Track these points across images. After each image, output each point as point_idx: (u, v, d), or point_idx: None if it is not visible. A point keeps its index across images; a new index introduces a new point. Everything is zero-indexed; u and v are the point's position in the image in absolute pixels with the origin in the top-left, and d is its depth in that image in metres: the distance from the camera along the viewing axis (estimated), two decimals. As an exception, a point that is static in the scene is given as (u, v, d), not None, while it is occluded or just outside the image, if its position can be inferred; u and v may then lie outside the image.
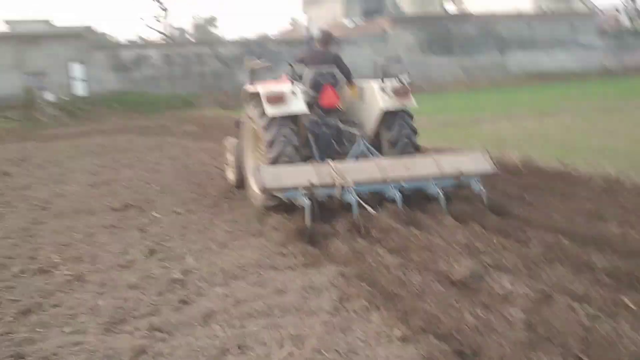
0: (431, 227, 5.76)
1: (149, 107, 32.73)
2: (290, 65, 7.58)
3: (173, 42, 40.90)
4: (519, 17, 47.62)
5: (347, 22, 50.88)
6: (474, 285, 4.28)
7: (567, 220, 5.95)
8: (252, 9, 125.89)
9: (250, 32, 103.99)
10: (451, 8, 57.41)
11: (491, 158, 6.88)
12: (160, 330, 3.93)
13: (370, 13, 51.51)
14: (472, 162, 6.73)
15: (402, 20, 45.50)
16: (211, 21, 49.48)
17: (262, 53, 37.90)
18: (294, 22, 60.89)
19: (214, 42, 44.38)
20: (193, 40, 43.81)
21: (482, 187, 6.42)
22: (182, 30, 45.03)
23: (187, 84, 37.63)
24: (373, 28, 45.24)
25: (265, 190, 6.23)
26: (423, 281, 4.38)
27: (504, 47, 46.08)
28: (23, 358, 3.59)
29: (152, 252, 5.74)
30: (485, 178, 8.45)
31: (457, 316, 3.81)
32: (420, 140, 7.72)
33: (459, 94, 35.27)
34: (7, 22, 38.28)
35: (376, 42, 43.48)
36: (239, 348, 3.61)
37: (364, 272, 4.73)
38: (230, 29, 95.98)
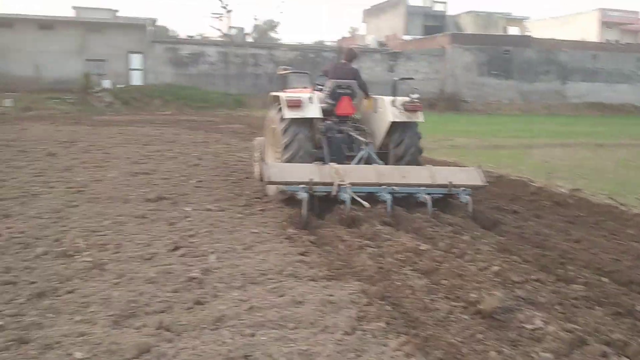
0: (465, 252, 5.48)
1: (201, 103, 33.22)
2: (308, 74, 8.83)
3: (231, 41, 41.37)
4: (583, 47, 46.31)
5: (406, 36, 50.61)
6: (503, 319, 4.00)
7: (612, 260, 5.58)
8: (313, 16, 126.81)
9: (309, 38, 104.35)
10: (514, 32, 56.36)
11: (484, 174, 7.45)
12: (168, 330, 3.79)
13: (430, 29, 51.08)
14: (464, 176, 7.37)
15: (462, 39, 44.87)
16: (271, 24, 49.89)
17: (316, 59, 38.06)
18: (353, 31, 60.87)
19: (271, 45, 44.75)
20: (251, 41, 44.21)
21: (469, 199, 6.94)
22: (241, 31, 45.49)
23: (240, 84, 38.04)
24: (432, 44, 44.81)
25: (267, 182, 7.05)
26: (449, 309, 4.12)
27: (565, 75, 44.95)
28: (26, 343, 3.50)
29: (176, 247, 5.63)
30: (530, 209, 8.16)
31: (481, 351, 3.56)
32: (467, 160, 7.56)
33: (514, 117, 34.52)
34: (75, 8, 39.50)
35: (433, 59, 43.05)
36: (245, 358, 3.44)
37: (387, 292, 4.50)
38: (289, 34, 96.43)
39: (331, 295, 4.38)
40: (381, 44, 47.87)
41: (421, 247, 5.41)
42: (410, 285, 4.53)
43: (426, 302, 4.24)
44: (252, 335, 3.73)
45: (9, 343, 3.48)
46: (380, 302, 4.25)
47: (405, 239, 5.73)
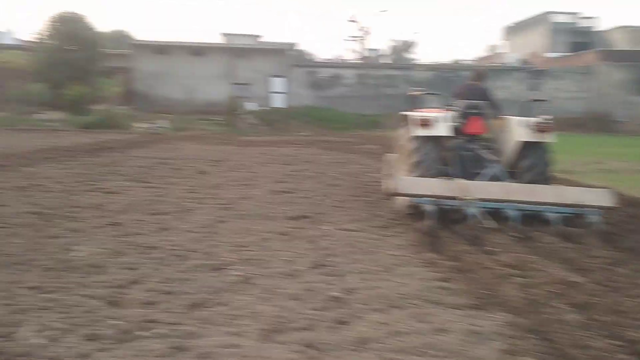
0: (622, 286, 5.07)
1: (338, 124, 33.95)
2: (439, 95, 9.48)
3: (368, 63, 41.94)
4: None
5: (550, 53, 48.36)
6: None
7: None
8: (452, 34, 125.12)
9: (447, 57, 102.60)
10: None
11: (615, 195, 7.38)
12: (313, 347, 3.87)
13: (577, 46, 48.35)
14: (593, 196, 7.26)
15: (613, 55, 41.91)
16: (407, 45, 49.96)
17: (453, 79, 37.45)
18: (492, 49, 59.22)
19: (407, 65, 44.75)
20: (388, 62, 44.57)
21: (599, 219, 6.92)
22: (376, 52, 46.06)
23: (376, 105, 38.36)
24: (578, 62, 42.37)
25: (396, 194, 7.70)
26: (606, 347, 3.83)
27: None
28: (184, 351, 3.74)
29: (317, 265, 5.77)
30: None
31: (644, 396, 3.26)
32: (620, 186, 7.10)
33: (674, 140, 31.41)
34: (224, 35, 42.30)
35: (580, 77, 40.67)
36: (389, 383, 3.42)
37: (537, 325, 4.27)
38: (426, 53, 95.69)
39: (476, 325, 4.24)
40: (524, 62, 46.07)
41: (573, 279, 5.09)
42: (562, 319, 4.27)
43: (580, 338, 3.97)
44: (395, 360, 3.71)
45: (171, 350, 3.74)
46: (529, 335, 4.04)
47: (554, 269, 5.43)
